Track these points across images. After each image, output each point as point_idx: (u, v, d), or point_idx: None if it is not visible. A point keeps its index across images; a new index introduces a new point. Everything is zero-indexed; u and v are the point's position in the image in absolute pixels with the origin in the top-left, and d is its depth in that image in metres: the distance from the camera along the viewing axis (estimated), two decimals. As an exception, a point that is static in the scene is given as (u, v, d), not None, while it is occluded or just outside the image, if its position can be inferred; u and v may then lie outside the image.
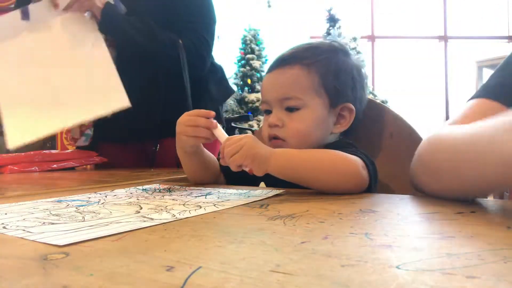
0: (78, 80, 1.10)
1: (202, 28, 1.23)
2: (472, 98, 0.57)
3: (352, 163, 0.55)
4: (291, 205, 0.44)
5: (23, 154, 1.10)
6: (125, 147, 1.28)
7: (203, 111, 0.64)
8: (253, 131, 4.44)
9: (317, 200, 0.48)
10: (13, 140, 0.97)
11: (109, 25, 1.15)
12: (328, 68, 0.68)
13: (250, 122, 5.00)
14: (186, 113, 0.65)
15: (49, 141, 1.72)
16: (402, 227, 0.32)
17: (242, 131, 4.40)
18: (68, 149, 1.31)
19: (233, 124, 3.55)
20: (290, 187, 0.59)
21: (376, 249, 0.26)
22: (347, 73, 0.70)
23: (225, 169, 0.76)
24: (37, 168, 1.08)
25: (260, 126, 0.85)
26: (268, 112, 0.71)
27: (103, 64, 1.09)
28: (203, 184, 0.71)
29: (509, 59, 0.56)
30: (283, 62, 0.70)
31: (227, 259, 0.24)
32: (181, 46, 1.17)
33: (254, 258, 0.24)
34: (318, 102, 0.67)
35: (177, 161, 0.72)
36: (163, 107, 1.22)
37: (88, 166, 1.18)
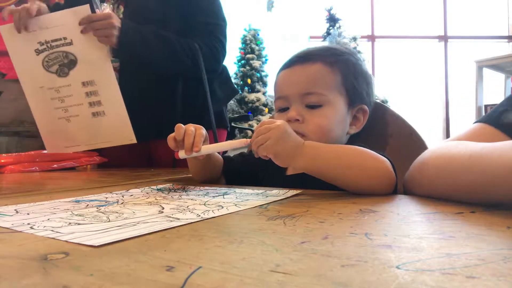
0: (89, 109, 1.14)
1: (217, 30, 1.24)
2: (477, 122, 0.58)
3: (382, 161, 0.54)
4: (291, 205, 0.44)
5: (23, 154, 1.10)
6: (126, 147, 1.27)
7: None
8: (253, 131, 4.44)
9: (317, 200, 0.48)
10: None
11: (126, 53, 1.14)
12: (348, 69, 0.68)
13: (250, 122, 4.99)
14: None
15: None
16: (402, 227, 0.32)
17: (242, 131, 4.40)
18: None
19: (233, 124, 3.55)
20: (292, 189, 0.58)
21: (376, 249, 0.26)
22: (363, 76, 0.71)
23: (227, 173, 0.76)
24: (37, 168, 1.08)
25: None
26: (283, 109, 0.69)
27: (114, 97, 1.11)
28: (212, 183, 0.70)
29: None
30: (303, 59, 0.68)
31: (227, 259, 0.24)
32: (199, 51, 1.17)
33: (254, 258, 0.24)
34: (339, 100, 0.67)
35: (173, 160, 0.72)
36: (183, 107, 1.23)
37: (88, 166, 1.18)
